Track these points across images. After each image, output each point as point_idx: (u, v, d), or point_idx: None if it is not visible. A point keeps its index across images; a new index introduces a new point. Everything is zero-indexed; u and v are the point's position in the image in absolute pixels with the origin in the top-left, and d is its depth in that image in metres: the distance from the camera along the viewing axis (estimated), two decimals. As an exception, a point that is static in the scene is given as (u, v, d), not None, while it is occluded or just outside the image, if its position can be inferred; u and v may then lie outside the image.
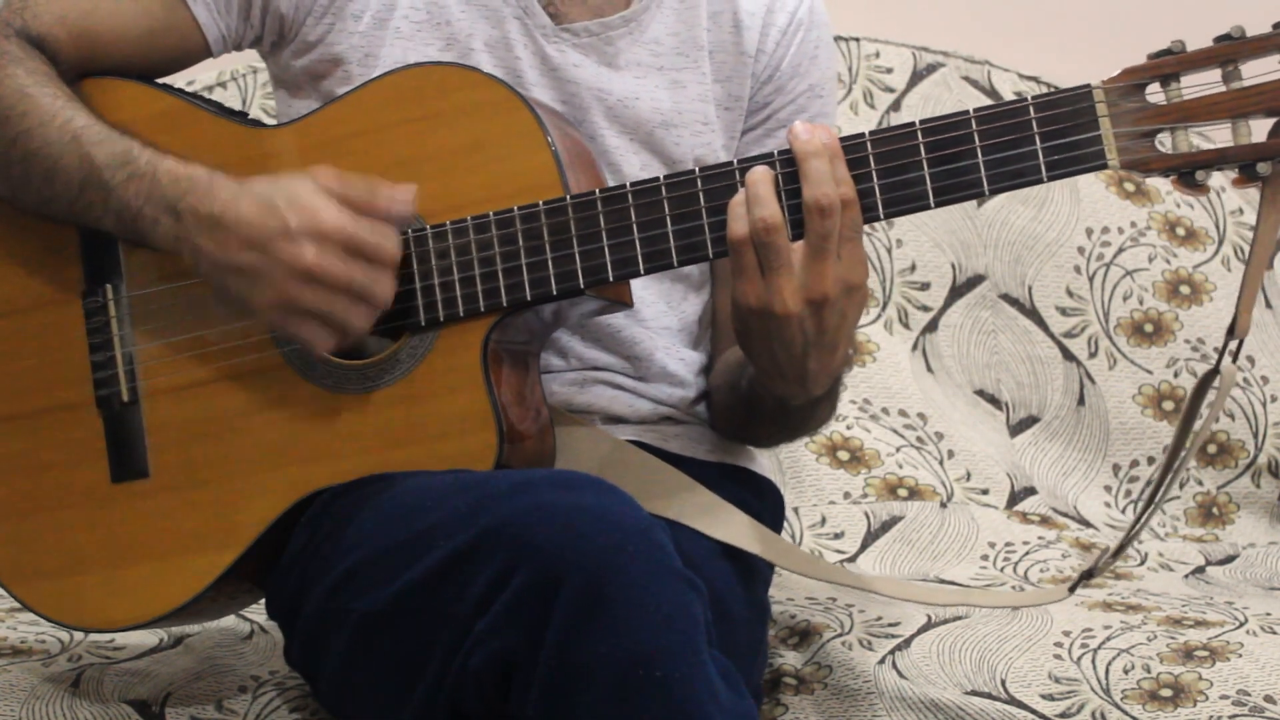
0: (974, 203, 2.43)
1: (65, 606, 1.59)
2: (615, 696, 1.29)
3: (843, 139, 1.43)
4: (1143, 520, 1.56)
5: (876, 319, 2.39)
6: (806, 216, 1.40)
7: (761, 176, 1.42)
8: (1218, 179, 1.55)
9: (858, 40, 2.48)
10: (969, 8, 2.70)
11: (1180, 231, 2.45)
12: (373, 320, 1.47)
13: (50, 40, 1.59)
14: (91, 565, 1.57)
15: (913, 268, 2.41)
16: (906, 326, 2.40)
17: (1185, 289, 2.42)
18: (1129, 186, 2.47)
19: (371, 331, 1.52)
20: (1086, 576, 1.61)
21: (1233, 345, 1.49)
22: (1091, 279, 2.42)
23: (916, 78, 2.49)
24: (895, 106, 2.47)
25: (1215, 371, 1.50)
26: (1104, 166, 1.40)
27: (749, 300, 1.43)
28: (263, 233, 1.45)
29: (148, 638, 1.81)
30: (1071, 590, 1.62)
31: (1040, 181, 1.42)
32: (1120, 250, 2.43)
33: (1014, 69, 2.53)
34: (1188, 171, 1.40)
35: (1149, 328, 2.40)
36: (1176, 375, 2.39)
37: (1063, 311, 2.41)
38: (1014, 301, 2.42)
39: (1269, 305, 2.44)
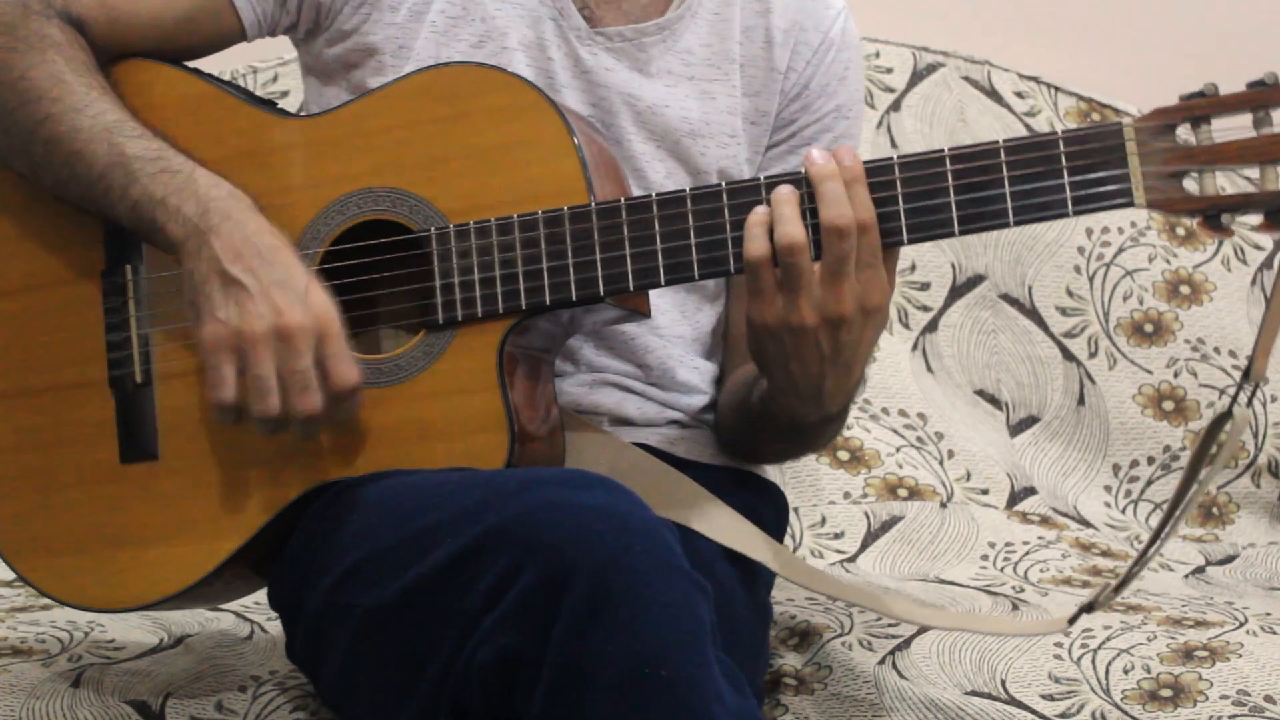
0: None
1: (66, 585, 1.59)
2: (621, 695, 1.29)
3: (869, 162, 1.44)
4: (1148, 556, 1.55)
5: (876, 319, 2.39)
6: (824, 238, 1.41)
7: (787, 196, 1.43)
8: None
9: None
10: (969, 8, 2.70)
11: (1180, 231, 2.45)
12: (275, 417, 1.45)
13: (90, 22, 1.59)
14: (95, 545, 1.57)
15: (913, 268, 2.41)
16: (906, 326, 2.40)
17: (1185, 289, 2.42)
18: (1129, 186, 2.47)
19: (379, 328, 1.52)
20: (1087, 609, 1.60)
21: (1248, 389, 1.48)
22: (1091, 279, 2.42)
23: (916, 78, 2.49)
24: (895, 106, 2.47)
25: (1229, 415, 1.49)
26: (1130, 205, 1.41)
27: (766, 319, 1.44)
28: (278, 275, 1.45)
29: (148, 637, 1.82)
30: (1071, 622, 1.61)
31: (1065, 216, 1.42)
32: (1120, 250, 2.43)
33: (1014, 69, 2.53)
34: (1213, 214, 1.40)
35: (1149, 328, 2.40)
36: (1176, 375, 2.39)
37: (1063, 311, 2.41)
38: (1014, 301, 2.42)
39: (1269, 305, 2.44)
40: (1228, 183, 1.43)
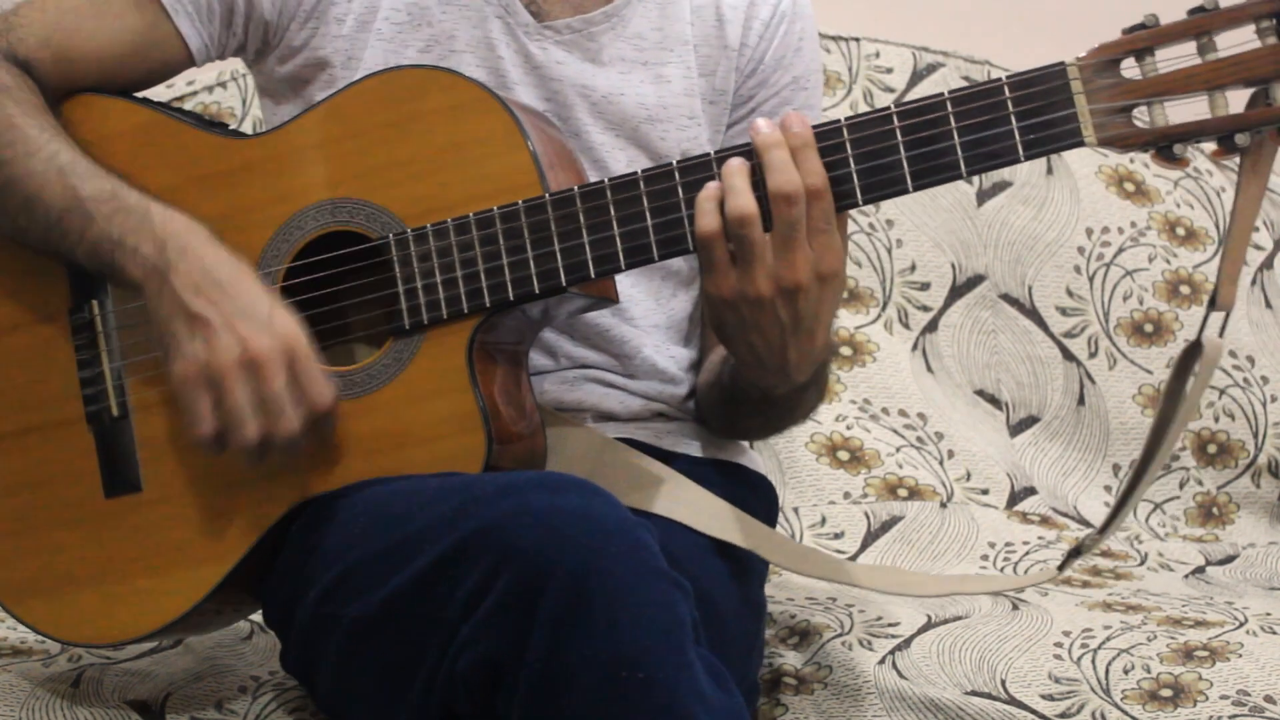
0: (974, 202, 2.43)
1: (63, 623, 1.59)
2: (599, 698, 1.29)
3: (818, 125, 1.43)
4: (1130, 499, 1.56)
5: (876, 319, 2.39)
6: (772, 205, 1.41)
7: (737, 168, 1.43)
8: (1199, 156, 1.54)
9: (858, 40, 2.48)
10: (969, 8, 2.70)
11: (1180, 231, 2.45)
12: (255, 443, 1.45)
13: (36, 63, 1.59)
14: (87, 580, 1.58)
15: (913, 268, 2.41)
16: (906, 326, 2.40)
17: (1185, 289, 2.42)
18: (1129, 186, 2.47)
19: (351, 340, 1.53)
20: (1074, 555, 1.60)
21: (1216, 318, 1.48)
22: (1091, 279, 2.42)
23: (916, 78, 2.49)
24: (895, 106, 2.47)
25: (1198, 345, 1.49)
26: (1080, 144, 1.40)
27: (723, 292, 1.43)
28: (239, 305, 1.45)
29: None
30: (1060, 569, 1.62)
31: (1018, 161, 1.42)
32: (1120, 250, 2.43)
33: (1014, 69, 2.52)
34: (1165, 145, 1.40)
35: (1149, 328, 2.40)
36: (1176, 375, 2.39)
37: (1063, 311, 2.41)
38: (1014, 301, 2.42)
39: (1269, 305, 2.44)
40: (1177, 114, 1.42)
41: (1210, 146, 1.41)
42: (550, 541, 1.31)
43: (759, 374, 1.51)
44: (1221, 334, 1.48)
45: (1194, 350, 1.49)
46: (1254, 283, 2.43)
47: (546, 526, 1.32)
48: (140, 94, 1.64)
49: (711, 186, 1.43)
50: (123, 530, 1.57)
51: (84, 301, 1.59)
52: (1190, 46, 1.39)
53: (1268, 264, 2.45)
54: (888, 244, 2.41)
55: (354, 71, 1.61)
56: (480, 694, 1.35)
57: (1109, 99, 1.40)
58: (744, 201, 1.41)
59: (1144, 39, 1.39)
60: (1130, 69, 1.40)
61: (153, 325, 1.48)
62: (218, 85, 2.38)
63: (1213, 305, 1.47)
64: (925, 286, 2.42)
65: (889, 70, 2.49)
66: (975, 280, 2.43)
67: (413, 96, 1.52)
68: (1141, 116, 1.40)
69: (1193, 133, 1.39)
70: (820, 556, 1.73)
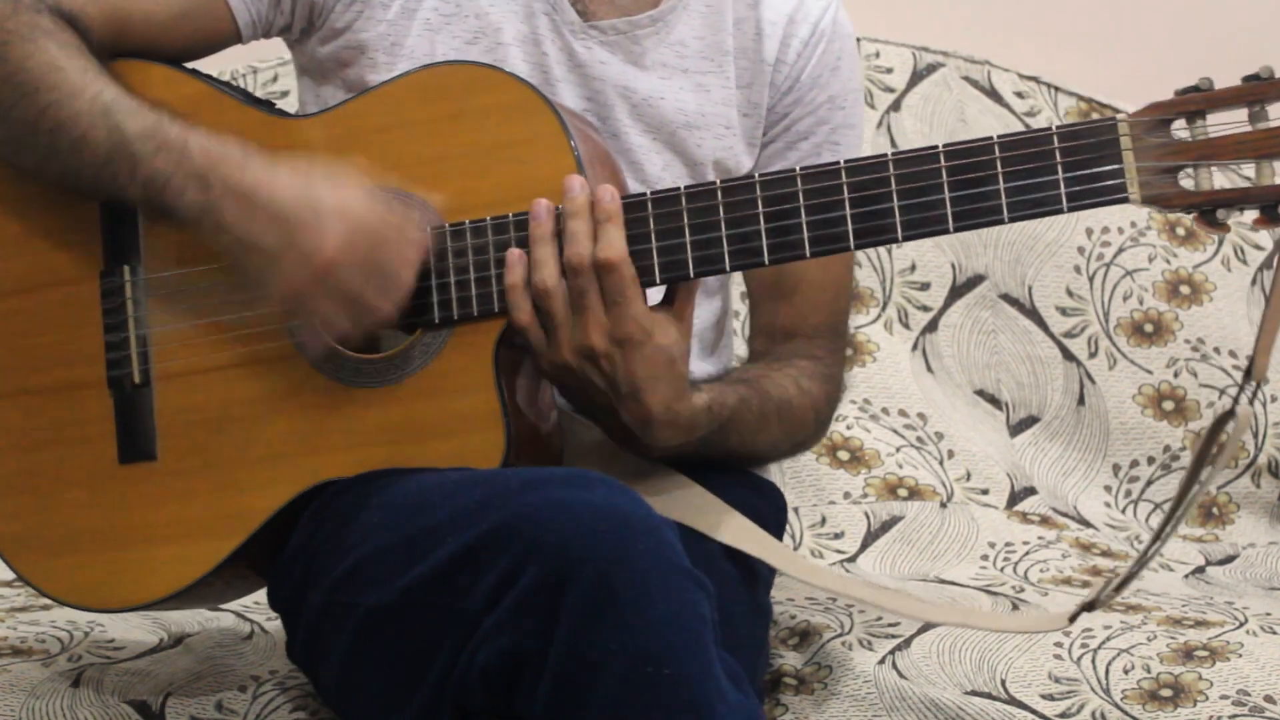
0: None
1: (64, 584, 1.59)
2: (624, 694, 1.29)
3: (865, 159, 1.44)
4: (1149, 555, 1.55)
5: (876, 319, 2.39)
6: (566, 272, 1.45)
7: (544, 237, 1.46)
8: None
9: (858, 40, 2.47)
10: (969, 8, 2.70)
11: (1180, 231, 2.45)
12: (363, 334, 1.48)
13: (82, 17, 1.59)
14: (94, 545, 1.57)
15: (913, 268, 2.41)
16: (906, 326, 2.40)
17: (1185, 289, 2.42)
18: (1129, 186, 2.47)
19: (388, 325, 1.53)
20: (1088, 608, 1.60)
21: (1250, 388, 1.48)
22: (1091, 279, 2.42)
23: (916, 78, 2.49)
24: (895, 106, 2.47)
25: (1231, 414, 1.49)
26: (1125, 200, 1.40)
27: (541, 364, 1.48)
28: (291, 217, 1.46)
29: (148, 637, 1.82)
30: (1071, 620, 1.61)
31: (1060, 211, 1.41)
32: (1120, 250, 2.43)
33: (1014, 69, 2.52)
34: (1209, 209, 1.40)
35: (1149, 328, 2.40)
36: (1176, 375, 2.39)
37: (1063, 311, 2.41)
38: (1014, 301, 2.42)
39: (1269, 305, 2.44)
40: (1224, 179, 1.43)
41: (1252, 215, 1.41)
42: (577, 536, 1.31)
43: (621, 443, 1.54)
44: (1251, 402, 1.49)
45: (1227, 417, 1.49)
46: (1254, 282, 2.43)
47: (574, 521, 1.32)
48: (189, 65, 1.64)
49: (516, 270, 1.46)
50: (133, 497, 1.57)
51: (116, 265, 1.59)
52: (1242, 114, 1.39)
53: (1268, 264, 2.45)
54: (888, 244, 2.41)
55: (395, 57, 1.61)
56: (498, 688, 1.35)
57: (1158, 158, 1.40)
58: (545, 274, 1.45)
59: (1197, 101, 1.39)
60: (1180, 129, 1.40)
61: (229, 253, 1.50)
62: (247, 73, 2.39)
63: (1248, 376, 1.47)
64: (925, 286, 2.41)
65: (889, 70, 2.49)
66: (975, 280, 2.42)
67: (463, 92, 1.53)
68: (1188, 178, 1.40)
69: (1238, 199, 1.39)
70: (829, 574, 1.72)
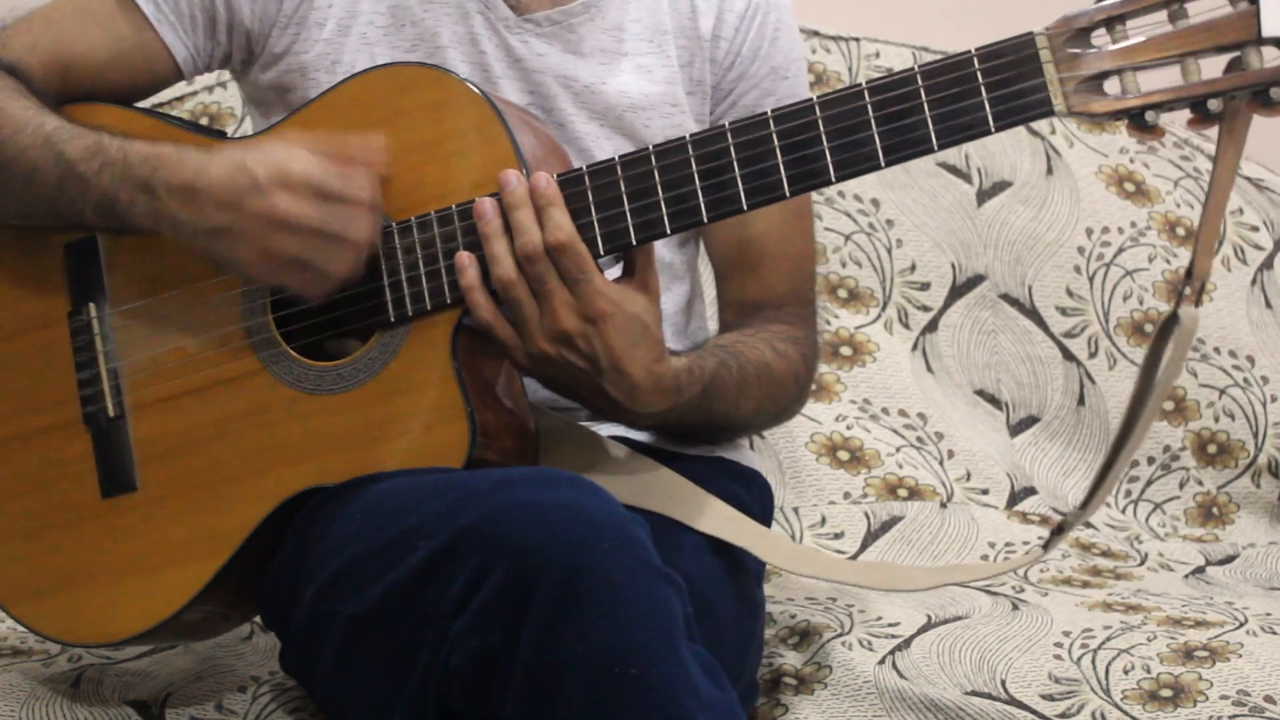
0: (974, 202, 2.43)
1: (63, 624, 1.60)
2: (592, 695, 1.29)
3: (790, 105, 1.44)
4: (1110, 475, 1.55)
5: (876, 319, 2.39)
6: (521, 265, 1.45)
7: (495, 233, 1.46)
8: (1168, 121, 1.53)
9: (858, 40, 2.48)
10: (969, 8, 2.69)
11: (1180, 231, 2.45)
12: (356, 262, 1.48)
13: (22, 67, 1.61)
14: (86, 581, 1.58)
15: (913, 268, 2.41)
16: (906, 326, 2.40)
17: (1185, 289, 2.41)
18: (1129, 186, 2.47)
19: (344, 332, 1.53)
20: (1057, 532, 1.60)
21: (1191, 289, 1.47)
22: (1091, 279, 2.42)
23: (916, 78, 2.49)
24: (895, 106, 2.47)
25: (1174, 318, 1.49)
26: (1050, 113, 1.40)
27: (519, 360, 1.48)
28: (232, 190, 1.46)
29: (148, 638, 1.81)
30: (1045, 548, 1.62)
31: (988, 132, 1.41)
32: (1120, 250, 2.43)
33: (1014, 69, 2.52)
34: (1138, 113, 1.39)
35: (1149, 328, 2.40)
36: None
37: (1063, 311, 2.41)
38: (1014, 301, 2.42)
39: (1269, 305, 2.44)
40: (1150, 84, 1.41)
41: (1186, 116, 1.40)
42: (542, 537, 1.31)
43: (612, 418, 1.54)
44: (1197, 303, 1.48)
45: (1171, 322, 1.49)
46: (1254, 283, 2.43)
47: (538, 522, 1.32)
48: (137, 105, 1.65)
49: (470, 272, 1.47)
50: (119, 530, 1.57)
51: (82, 304, 1.59)
52: (1162, 15, 1.38)
53: (1268, 264, 2.45)
54: (888, 244, 2.41)
55: (336, 76, 1.61)
56: (474, 690, 1.35)
57: (1079, 68, 1.39)
58: (504, 268, 1.46)
59: (1114, 8, 1.39)
60: (1100, 38, 1.39)
61: (198, 248, 1.51)
62: (217, 85, 2.38)
63: (1190, 275, 1.47)
64: (925, 286, 2.41)
65: (889, 70, 2.49)
66: (975, 280, 2.42)
67: (396, 93, 1.53)
68: (1113, 87, 1.39)
69: (1165, 100, 1.38)
70: (814, 555, 1.73)
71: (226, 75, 2.39)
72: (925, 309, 2.41)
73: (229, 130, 2.31)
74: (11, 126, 1.55)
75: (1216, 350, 2.39)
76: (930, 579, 1.74)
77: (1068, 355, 2.40)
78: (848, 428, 2.29)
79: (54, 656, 1.75)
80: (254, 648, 1.79)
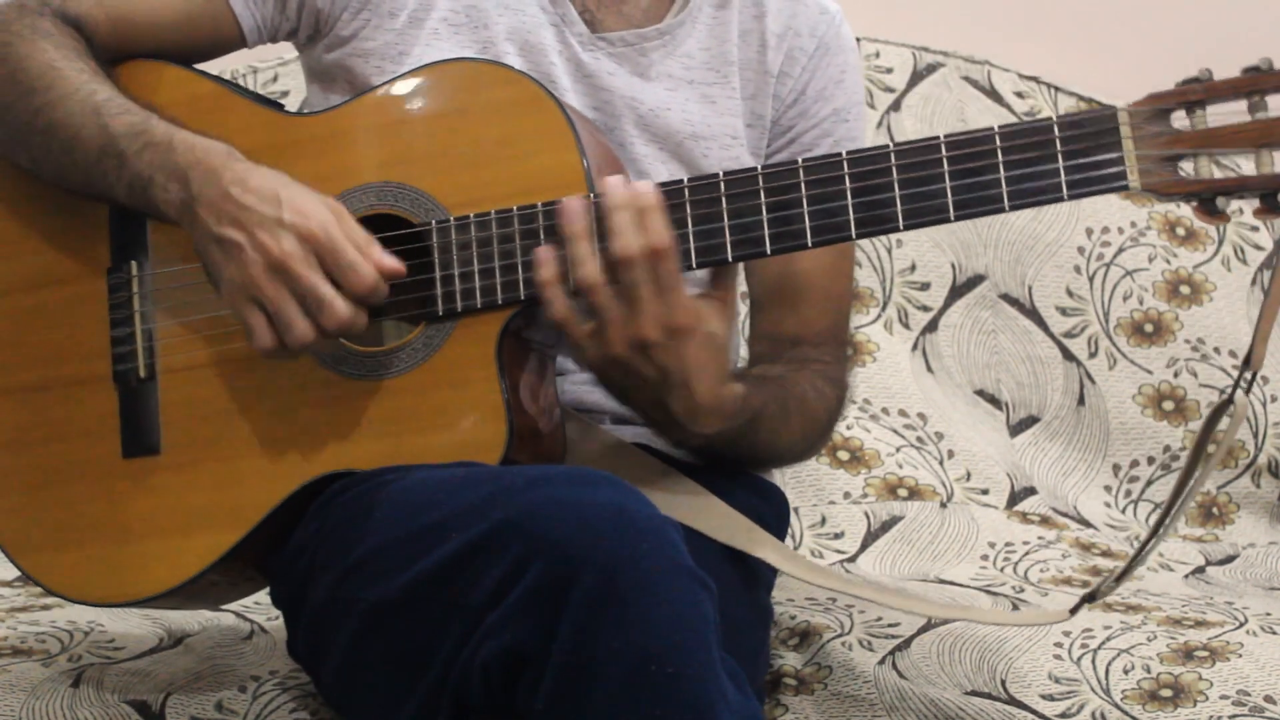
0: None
1: (69, 580, 1.59)
2: (626, 692, 1.29)
3: (865, 149, 1.45)
4: (1149, 546, 1.56)
5: (876, 319, 2.39)
6: (615, 267, 1.43)
7: (581, 233, 1.44)
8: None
9: (858, 40, 2.48)
10: (969, 8, 2.70)
11: (1180, 231, 2.45)
12: (312, 341, 1.46)
13: (88, 21, 1.60)
14: (97, 539, 1.57)
15: (913, 268, 2.41)
16: (906, 326, 2.40)
17: (1185, 289, 2.42)
18: (1129, 186, 2.47)
19: (383, 320, 1.53)
20: (1089, 599, 1.60)
21: (1247, 377, 1.48)
22: (1091, 279, 2.42)
23: (916, 78, 2.49)
24: (895, 106, 2.47)
25: (1230, 402, 1.50)
26: (1125, 188, 1.41)
27: (590, 359, 1.46)
28: (255, 215, 1.46)
29: (148, 637, 1.82)
30: (1073, 613, 1.62)
31: (1061, 200, 1.42)
32: (1120, 250, 2.43)
33: (1014, 69, 2.53)
34: (1209, 198, 1.40)
35: (1149, 328, 2.40)
36: (1176, 375, 2.39)
37: (1063, 311, 2.41)
38: (1014, 301, 2.42)
39: (1269, 293, 2.44)
40: (1224, 170, 1.43)
41: (1253, 203, 1.42)
42: (582, 534, 1.31)
43: (663, 432, 1.53)
44: (1248, 391, 1.50)
45: (1224, 407, 1.50)
46: (1254, 282, 2.43)
47: (579, 519, 1.32)
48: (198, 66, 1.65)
49: (550, 267, 1.45)
50: (137, 492, 1.57)
51: (123, 262, 1.59)
52: (1242, 105, 1.40)
53: (1268, 264, 2.45)
54: (888, 244, 2.41)
55: (402, 66, 1.61)
56: (498, 685, 1.35)
57: (1157, 147, 1.40)
58: (587, 271, 1.44)
59: (1197, 92, 1.40)
60: (1180, 120, 1.41)
61: (201, 258, 1.50)
62: (248, 74, 2.39)
63: (1247, 365, 1.48)
64: (925, 286, 2.42)
65: (889, 70, 2.49)
66: (975, 280, 2.43)
67: (468, 88, 1.53)
68: (1187, 168, 1.40)
69: (1236, 187, 1.40)
70: (831, 574, 1.72)
71: (259, 64, 2.40)
72: (925, 309, 2.41)
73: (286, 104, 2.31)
74: (64, 89, 1.55)
75: (1216, 350, 2.39)
76: (945, 613, 1.75)
77: (1068, 355, 2.40)
78: (848, 428, 2.29)
79: (54, 656, 1.75)
80: (254, 648, 1.79)
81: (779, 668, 1.73)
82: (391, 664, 1.44)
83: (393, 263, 1.47)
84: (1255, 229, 2.46)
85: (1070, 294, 2.41)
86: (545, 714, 1.32)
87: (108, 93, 1.55)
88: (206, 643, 1.80)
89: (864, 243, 2.40)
